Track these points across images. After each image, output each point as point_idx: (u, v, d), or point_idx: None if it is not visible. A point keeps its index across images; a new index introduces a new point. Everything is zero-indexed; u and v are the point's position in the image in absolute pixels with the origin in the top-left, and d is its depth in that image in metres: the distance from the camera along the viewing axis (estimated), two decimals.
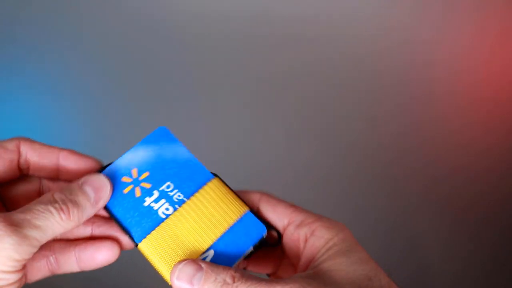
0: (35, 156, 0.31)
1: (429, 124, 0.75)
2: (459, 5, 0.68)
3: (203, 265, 0.28)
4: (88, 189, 0.29)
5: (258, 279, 0.27)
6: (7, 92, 0.71)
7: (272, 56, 0.70)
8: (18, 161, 0.31)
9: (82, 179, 0.30)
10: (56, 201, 0.28)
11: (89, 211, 0.29)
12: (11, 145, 0.30)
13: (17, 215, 0.26)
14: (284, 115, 0.73)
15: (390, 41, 0.70)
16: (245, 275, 0.27)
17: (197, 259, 0.29)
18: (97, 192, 0.29)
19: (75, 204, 0.28)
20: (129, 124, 0.73)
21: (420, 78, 0.72)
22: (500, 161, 0.76)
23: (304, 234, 0.30)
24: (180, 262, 0.29)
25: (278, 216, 0.31)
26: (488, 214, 0.78)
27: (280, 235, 0.31)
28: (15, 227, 0.26)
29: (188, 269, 0.28)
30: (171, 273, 0.29)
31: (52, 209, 0.27)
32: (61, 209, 0.27)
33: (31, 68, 0.69)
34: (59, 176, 0.32)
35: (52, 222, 0.27)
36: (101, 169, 0.32)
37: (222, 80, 0.71)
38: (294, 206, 0.32)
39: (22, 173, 0.32)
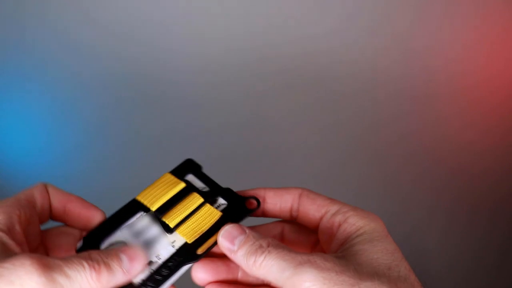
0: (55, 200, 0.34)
1: (428, 125, 0.76)
2: (458, 8, 0.68)
3: (247, 230, 0.32)
4: (124, 257, 0.30)
5: (288, 248, 0.30)
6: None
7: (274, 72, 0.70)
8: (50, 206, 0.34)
9: (122, 248, 0.31)
10: (91, 259, 0.29)
11: (119, 278, 0.30)
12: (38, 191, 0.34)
13: (52, 259, 0.28)
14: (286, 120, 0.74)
15: (390, 45, 0.70)
16: (279, 244, 0.30)
17: (243, 226, 0.33)
18: (131, 262, 0.30)
19: (108, 266, 0.29)
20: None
21: (420, 80, 0.73)
22: (500, 161, 0.77)
23: (338, 221, 0.33)
24: (228, 224, 0.33)
25: (317, 207, 0.34)
26: (485, 207, 0.79)
27: (259, 202, 0.35)
28: (47, 268, 0.27)
29: (233, 231, 0.32)
30: (219, 232, 0.32)
31: (85, 264, 0.28)
32: (94, 267, 0.28)
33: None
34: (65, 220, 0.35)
35: (82, 276, 0.28)
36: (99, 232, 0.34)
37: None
38: (332, 198, 0.34)
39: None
